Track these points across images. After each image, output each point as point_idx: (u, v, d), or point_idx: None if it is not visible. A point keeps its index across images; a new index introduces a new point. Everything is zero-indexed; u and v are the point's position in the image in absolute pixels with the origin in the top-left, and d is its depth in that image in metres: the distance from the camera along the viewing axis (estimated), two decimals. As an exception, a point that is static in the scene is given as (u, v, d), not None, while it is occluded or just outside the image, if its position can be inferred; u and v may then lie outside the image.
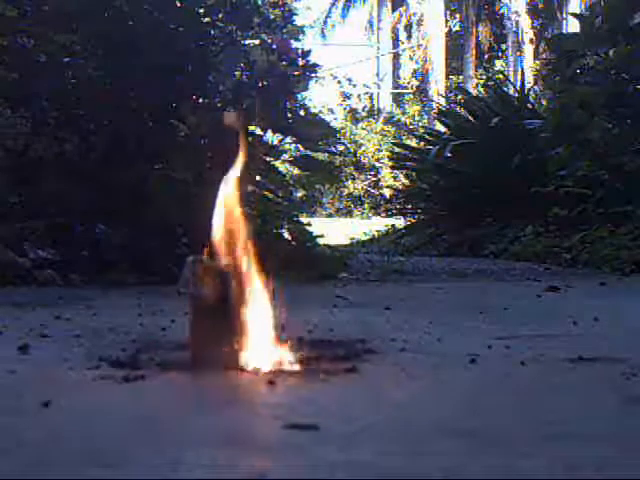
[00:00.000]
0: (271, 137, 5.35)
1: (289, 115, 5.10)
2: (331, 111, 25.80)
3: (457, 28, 29.42)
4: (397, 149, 12.87)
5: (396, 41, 30.72)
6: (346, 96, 26.65)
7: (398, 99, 28.81)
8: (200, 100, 5.06)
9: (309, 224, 5.27)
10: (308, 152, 5.48)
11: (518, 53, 24.64)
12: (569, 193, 7.58)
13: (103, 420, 1.46)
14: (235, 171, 1.93)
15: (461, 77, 26.16)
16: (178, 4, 4.92)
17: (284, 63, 4.95)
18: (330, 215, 22.63)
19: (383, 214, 16.20)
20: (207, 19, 5.02)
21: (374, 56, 30.06)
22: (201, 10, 5.02)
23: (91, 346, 2.22)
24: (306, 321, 2.64)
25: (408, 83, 29.56)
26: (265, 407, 1.57)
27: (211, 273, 1.89)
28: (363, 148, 23.30)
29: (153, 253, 4.42)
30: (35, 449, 1.27)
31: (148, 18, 4.72)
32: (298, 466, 1.19)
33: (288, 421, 1.39)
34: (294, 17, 5.56)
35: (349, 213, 23.38)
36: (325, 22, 31.51)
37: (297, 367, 1.89)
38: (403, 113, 26.35)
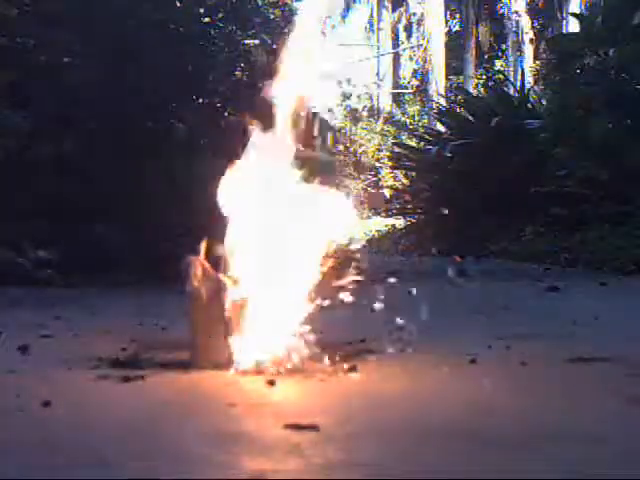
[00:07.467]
0: (271, 137, 5.34)
1: (289, 115, 5.10)
2: (331, 111, 25.78)
3: (457, 28, 29.39)
4: (397, 149, 12.88)
5: (396, 41, 30.69)
6: (346, 96, 26.61)
7: (398, 99, 28.77)
8: (200, 100, 5.06)
9: (309, 224, 5.26)
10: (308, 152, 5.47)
11: (518, 53, 24.60)
12: (569, 193, 7.57)
13: (103, 420, 1.46)
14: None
15: (461, 77, 26.12)
16: (178, 4, 4.92)
17: (284, 63, 4.95)
18: (330, 215, 22.56)
19: (383, 214, 16.18)
20: (207, 19, 5.03)
21: (374, 56, 30.04)
22: (201, 10, 5.02)
23: (91, 346, 2.21)
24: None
25: (408, 83, 29.53)
26: (265, 407, 1.57)
27: (208, 274, 1.89)
28: (363, 148, 23.28)
29: (153, 253, 4.41)
30: (35, 449, 1.26)
31: (148, 18, 4.71)
32: (298, 466, 1.19)
33: (288, 421, 1.39)
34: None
35: (349, 213, 23.31)
36: (325, 22, 31.49)
37: (297, 367, 1.88)
38: (403, 113, 26.30)
